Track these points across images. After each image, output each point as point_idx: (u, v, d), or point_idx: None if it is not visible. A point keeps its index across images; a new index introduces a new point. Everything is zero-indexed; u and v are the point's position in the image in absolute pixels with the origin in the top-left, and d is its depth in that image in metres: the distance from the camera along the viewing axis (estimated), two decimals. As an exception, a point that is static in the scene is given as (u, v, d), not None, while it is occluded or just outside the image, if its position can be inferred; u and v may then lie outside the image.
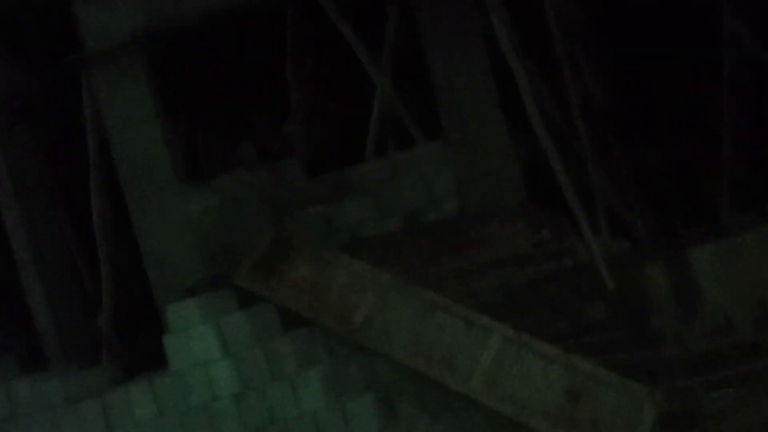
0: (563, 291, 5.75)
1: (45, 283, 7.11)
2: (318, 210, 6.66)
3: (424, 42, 6.52)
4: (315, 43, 7.37)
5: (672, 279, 5.85)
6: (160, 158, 6.72)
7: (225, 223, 6.72)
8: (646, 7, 6.75)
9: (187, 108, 8.05)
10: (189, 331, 4.83)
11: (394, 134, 7.22)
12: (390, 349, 5.01)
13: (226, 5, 6.57)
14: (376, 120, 6.88)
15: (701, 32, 6.72)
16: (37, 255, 7.12)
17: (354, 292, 5.29)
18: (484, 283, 5.65)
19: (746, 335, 5.62)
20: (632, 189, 6.99)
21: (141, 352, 6.91)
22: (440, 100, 6.54)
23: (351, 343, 5.26)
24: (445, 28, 6.31)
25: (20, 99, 7.37)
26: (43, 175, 7.77)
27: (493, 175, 6.33)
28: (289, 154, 7.48)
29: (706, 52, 6.75)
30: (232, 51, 7.88)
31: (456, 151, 6.44)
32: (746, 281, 5.59)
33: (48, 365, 6.54)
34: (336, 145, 7.88)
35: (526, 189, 6.43)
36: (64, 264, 7.75)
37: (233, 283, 5.48)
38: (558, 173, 6.19)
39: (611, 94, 7.11)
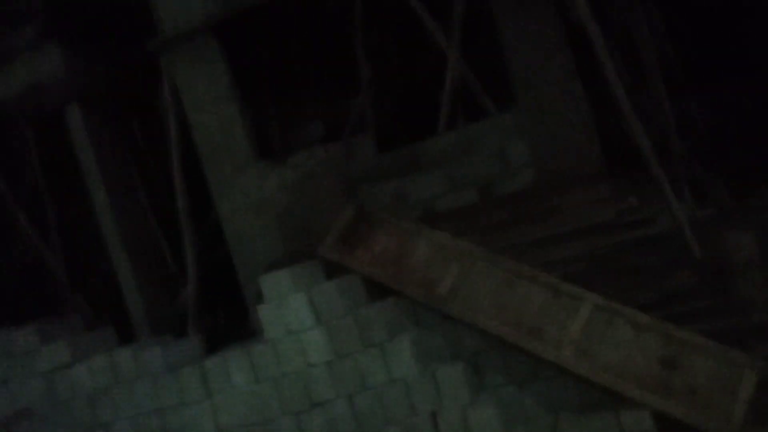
0: (648, 259, 5.62)
1: (132, 262, 7.39)
2: (391, 184, 6.67)
3: (495, 11, 6.40)
4: (383, 17, 7.31)
5: (758, 245, 5.65)
6: (238, 138, 6.86)
7: (302, 200, 6.81)
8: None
9: (260, 87, 8.14)
10: (282, 301, 4.92)
11: (466, 107, 7.14)
12: (476, 318, 5.00)
13: None
14: (448, 93, 6.80)
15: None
16: (124, 236, 7.39)
17: (437, 262, 5.29)
18: (567, 252, 5.56)
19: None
20: (714, 154, 6.77)
21: (222, 327, 7.12)
22: (513, 69, 6.42)
23: (437, 313, 5.26)
24: None
25: (100, 89, 7.59)
26: (126, 160, 8.03)
27: (569, 144, 6.19)
28: (361, 130, 7.47)
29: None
30: (301, 28, 7.90)
31: (530, 122, 6.32)
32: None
33: (136, 340, 6.82)
34: (407, 120, 7.85)
35: (606, 158, 6.28)
36: (148, 244, 8.03)
37: (319, 255, 5.54)
38: (640, 140, 6.03)
39: (688, 57, 6.87)
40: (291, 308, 4.84)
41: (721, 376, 4.40)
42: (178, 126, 7.27)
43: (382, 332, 4.81)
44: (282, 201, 6.86)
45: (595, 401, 4.85)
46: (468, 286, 5.13)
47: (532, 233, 5.65)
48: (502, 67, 6.75)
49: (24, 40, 7.60)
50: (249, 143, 7.03)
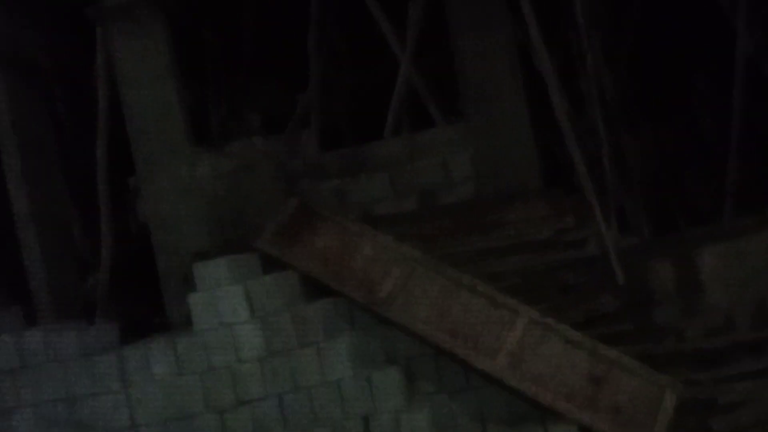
0: (578, 280, 5.78)
1: (41, 239, 6.86)
2: (332, 184, 6.55)
3: (451, 23, 6.46)
4: (340, 14, 7.22)
5: (677, 276, 5.94)
6: (173, 120, 6.56)
7: (236, 190, 6.57)
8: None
9: (201, 70, 7.83)
10: (216, 291, 4.67)
11: (413, 114, 7.15)
12: (414, 324, 4.95)
13: None
14: (397, 98, 6.78)
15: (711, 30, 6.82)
16: (34, 209, 6.86)
17: (379, 265, 5.22)
18: (504, 266, 5.63)
19: (746, 334, 5.74)
20: (641, 186, 7.08)
21: (135, 317, 6.71)
22: (464, 82, 6.49)
23: (374, 316, 5.18)
24: (473, 10, 6.25)
25: (27, 54, 7.07)
26: (47, 131, 7.49)
27: (512, 162, 6.32)
28: (304, 126, 7.32)
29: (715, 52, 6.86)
30: (252, 14, 7.68)
31: (476, 136, 6.40)
32: (747, 282, 5.71)
33: (38, 324, 6.30)
34: (352, 121, 7.77)
35: (543, 178, 6.44)
36: (61, 222, 7.51)
37: (255, 247, 5.33)
38: (577, 164, 6.22)
39: (623, 89, 7.18)
40: (225, 299, 4.62)
41: (644, 395, 4.56)
42: (107, 100, 6.85)
43: (319, 332, 4.67)
44: (214, 189, 6.57)
45: (523, 414, 4.89)
46: (408, 292, 5.08)
47: (472, 244, 5.68)
48: (451, 79, 6.81)
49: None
50: (184, 126, 6.71)
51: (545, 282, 5.70)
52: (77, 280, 7.65)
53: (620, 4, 7.13)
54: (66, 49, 7.48)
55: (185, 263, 6.54)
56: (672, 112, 7.36)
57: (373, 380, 4.64)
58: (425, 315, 5.01)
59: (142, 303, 7.76)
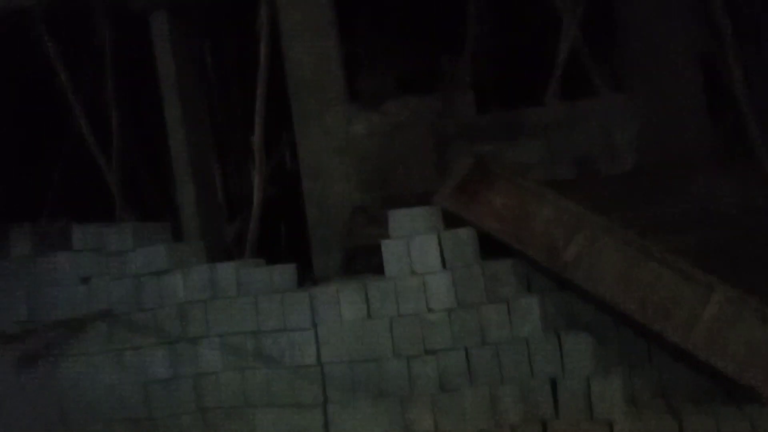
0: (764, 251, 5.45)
1: (196, 186, 7.01)
2: (487, 147, 6.39)
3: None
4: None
5: None
6: (333, 75, 6.56)
7: (388, 149, 6.50)
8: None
9: (358, 30, 7.77)
10: (410, 239, 4.61)
11: (574, 81, 6.90)
12: (602, 291, 4.77)
13: None
14: (561, 63, 6.54)
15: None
16: (191, 156, 7.00)
17: (560, 227, 5.05)
18: (686, 237, 5.37)
19: None
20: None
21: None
22: (632, 52, 6.21)
23: (554, 279, 5.03)
24: None
25: (196, 4, 7.15)
26: (202, 80, 7.61)
27: (682, 133, 6.02)
28: (456, 88, 7.16)
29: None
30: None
31: (643, 105, 6.12)
32: None
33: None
34: (506, 84, 7.58)
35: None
36: (211, 171, 7.67)
37: (435, 203, 5.24)
38: (752, 130, 5.90)
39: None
40: (419, 248, 4.54)
41: None
42: (269, 52, 6.88)
43: (511, 287, 4.55)
44: (367, 147, 6.54)
45: (706, 392, 4.68)
46: (593, 258, 4.90)
47: (654, 214, 5.44)
48: (611, 47, 6.53)
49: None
50: (342, 82, 6.69)
51: (729, 254, 5.40)
52: (222, 224, 7.82)
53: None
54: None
55: (337, 216, 6.59)
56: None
57: (564, 342, 4.50)
58: (612, 283, 4.83)
59: (286, 251, 7.89)
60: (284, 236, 8.54)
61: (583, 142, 6.26)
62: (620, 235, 4.95)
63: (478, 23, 7.08)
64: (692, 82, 6.09)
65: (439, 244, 4.67)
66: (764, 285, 5.00)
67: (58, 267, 4.90)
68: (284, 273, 4.94)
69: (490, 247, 5.13)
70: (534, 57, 7.20)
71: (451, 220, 5.21)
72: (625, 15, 6.14)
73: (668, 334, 4.62)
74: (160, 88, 7.25)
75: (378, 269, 5.70)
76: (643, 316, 4.71)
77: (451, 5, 7.18)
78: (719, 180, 5.45)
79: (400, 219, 4.68)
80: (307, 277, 5.90)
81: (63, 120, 7.78)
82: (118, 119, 7.51)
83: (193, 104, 7.50)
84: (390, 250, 4.66)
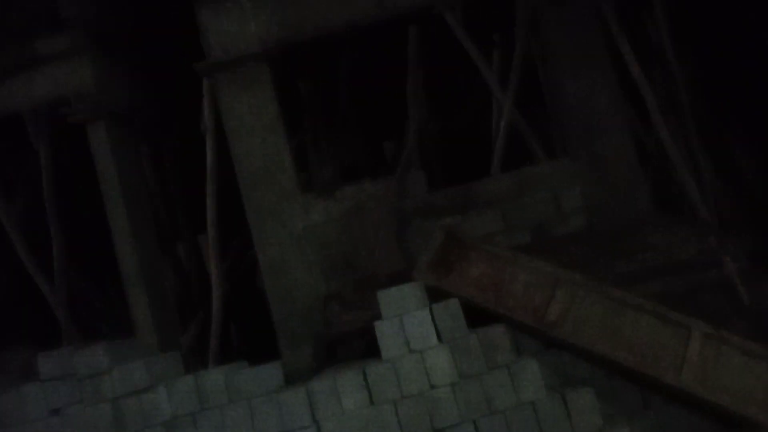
0: (716, 301, 5.79)
1: (149, 297, 6.75)
2: (445, 222, 6.57)
3: (552, 61, 6.70)
4: (436, 60, 7.44)
5: None
6: (285, 168, 6.62)
7: (347, 234, 6.58)
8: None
9: (301, 120, 7.94)
10: (404, 317, 4.58)
11: (515, 152, 7.29)
12: (591, 344, 4.89)
13: (354, 22, 6.62)
14: (502, 137, 6.93)
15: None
16: (142, 267, 6.78)
17: (539, 288, 5.19)
18: (647, 289, 5.63)
19: None
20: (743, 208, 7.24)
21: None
22: (569, 117, 6.68)
23: (539, 340, 5.11)
24: (572, 47, 6.51)
25: (131, 107, 7.16)
26: (146, 184, 7.49)
27: (622, 192, 6.44)
28: (406, 170, 7.38)
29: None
30: (352, 65, 7.87)
31: (585, 168, 6.53)
32: None
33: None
34: (450, 161, 7.89)
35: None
36: (164, 275, 7.41)
37: (414, 278, 5.27)
38: (689, 188, 6.39)
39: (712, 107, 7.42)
40: (414, 325, 4.50)
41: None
42: (215, 150, 6.88)
43: (509, 352, 4.56)
44: (327, 234, 6.57)
45: (705, 428, 4.79)
46: (574, 313, 5.05)
47: (618, 267, 5.69)
48: (546, 115, 7.01)
49: (54, 47, 7.01)
50: (295, 173, 6.76)
51: (684, 304, 5.69)
52: (177, 335, 7.47)
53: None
54: (169, 102, 7.57)
55: (304, 308, 6.46)
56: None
57: (569, 401, 4.52)
58: (598, 335, 4.97)
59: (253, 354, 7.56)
60: (241, 337, 8.22)
61: (533, 208, 6.53)
62: (596, 289, 5.13)
63: (420, 106, 7.40)
64: (625, 144, 6.56)
65: (432, 318, 4.64)
66: (730, 324, 5.30)
67: (25, 401, 4.44)
68: (273, 371, 4.72)
69: (468, 317, 5.17)
70: (477, 132, 7.57)
71: (431, 295, 5.24)
72: (558, 90, 6.60)
73: (661, 377, 4.75)
74: (103, 199, 7.01)
75: (363, 355, 5.58)
76: (634, 363, 4.83)
77: (390, 92, 7.49)
78: (667, 230, 5.80)
79: (390, 298, 4.64)
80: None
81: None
82: (59, 238, 7.13)
83: (139, 212, 7.29)
84: (384, 330, 4.58)
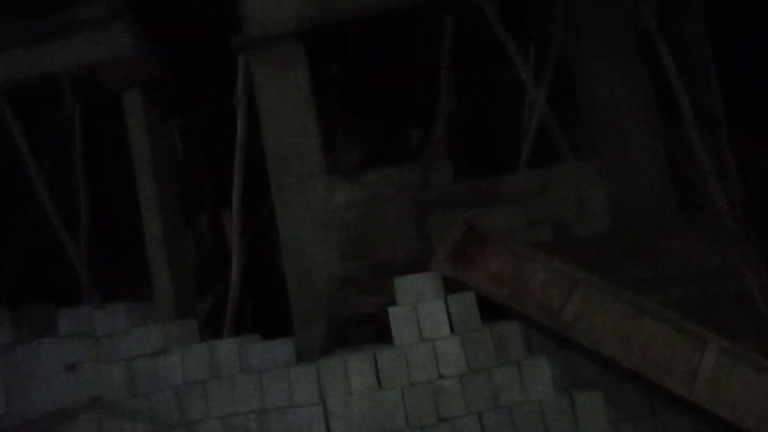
0: (734, 313, 5.71)
1: (170, 263, 6.81)
2: (466, 214, 6.53)
3: (584, 61, 6.59)
4: (469, 51, 7.37)
5: None
6: (311, 148, 6.61)
7: (368, 219, 6.57)
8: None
9: (331, 102, 7.93)
10: (418, 305, 4.58)
11: (543, 149, 7.21)
12: (604, 347, 4.84)
13: (392, 5, 6.56)
14: (532, 133, 6.85)
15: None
16: (166, 234, 6.85)
17: (556, 288, 5.15)
18: (665, 295, 5.56)
19: None
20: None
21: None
22: (598, 121, 6.57)
23: (554, 339, 5.08)
24: (608, 47, 6.39)
25: (166, 77, 7.19)
26: (175, 155, 7.55)
27: (648, 196, 6.33)
28: (432, 160, 7.35)
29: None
30: (384, 52, 7.83)
31: (611, 170, 6.44)
32: None
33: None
34: (477, 155, 7.83)
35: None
36: (186, 247, 7.49)
37: (430, 268, 5.26)
38: (716, 197, 6.27)
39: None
40: (427, 314, 4.50)
41: None
42: (245, 127, 6.91)
43: (520, 349, 4.55)
44: (348, 218, 6.56)
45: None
46: (590, 315, 5.00)
47: (638, 272, 5.62)
48: (576, 115, 6.91)
49: (93, 13, 7.07)
50: (321, 155, 6.76)
51: (704, 313, 5.61)
52: (195, 304, 7.56)
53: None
54: (204, 75, 7.60)
55: (320, 288, 6.49)
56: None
57: (576, 402, 4.50)
58: (612, 340, 4.92)
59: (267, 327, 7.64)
60: (255, 311, 8.31)
61: (556, 207, 6.46)
62: (614, 293, 5.08)
63: (450, 96, 7.35)
64: (654, 147, 6.46)
65: (446, 308, 4.64)
66: (747, 337, 5.22)
67: (42, 355, 4.55)
68: (286, 347, 4.77)
69: (482, 311, 5.15)
70: (504, 127, 7.50)
71: (447, 286, 5.23)
72: (596, 88, 6.50)
73: (672, 388, 4.70)
74: (132, 166, 7.09)
75: (374, 339, 5.60)
76: (646, 371, 4.78)
77: (422, 79, 7.44)
78: (691, 238, 5.71)
79: (407, 285, 4.65)
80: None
81: (26, 200, 7.45)
82: (86, 198, 7.24)
83: (166, 182, 7.36)
84: (398, 317, 4.59)
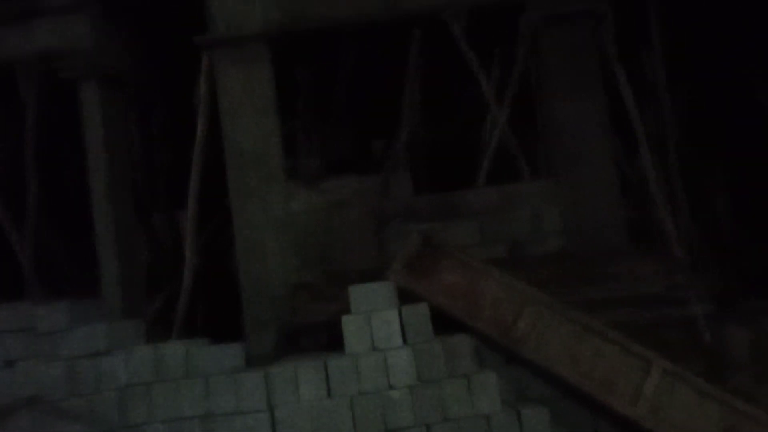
0: (677, 337, 5.87)
1: (119, 258, 6.65)
2: (425, 227, 6.57)
3: (545, 83, 6.74)
4: (434, 67, 7.44)
5: (751, 342, 6.08)
6: (272, 152, 6.58)
7: (326, 226, 6.55)
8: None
9: (294, 107, 7.88)
10: (372, 315, 4.56)
11: (500, 167, 7.31)
12: (551, 365, 4.91)
13: (359, 16, 6.61)
14: (491, 151, 6.95)
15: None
16: (116, 232, 6.71)
17: (508, 304, 5.21)
18: (613, 317, 5.68)
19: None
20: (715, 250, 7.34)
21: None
22: (555, 142, 6.71)
23: (504, 354, 5.12)
24: (569, 77, 6.55)
25: (126, 70, 7.04)
26: (131, 150, 7.39)
27: (599, 219, 6.49)
28: (393, 171, 7.36)
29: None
30: (352, 61, 7.84)
31: (567, 192, 6.58)
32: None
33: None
34: (437, 169, 7.88)
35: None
36: (136, 244, 7.32)
37: (388, 279, 5.25)
38: (665, 224, 6.46)
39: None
40: (381, 323, 4.49)
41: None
42: (206, 126, 6.81)
43: (470, 362, 4.57)
44: (306, 224, 6.54)
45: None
46: (540, 333, 5.07)
47: (587, 293, 5.73)
48: (535, 135, 7.05)
49: (57, 2, 6.89)
50: (282, 159, 6.73)
51: (647, 338, 5.74)
52: (143, 304, 7.37)
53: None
54: (164, 71, 7.46)
55: (274, 293, 6.41)
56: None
57: (523, 417, 4.54)
58: (559, 357, 5.00)
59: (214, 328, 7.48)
60: (206, 314, 8.13)
61: (512, 224, 6.56)
62: (563, 312, 5.17)
63: (413, 109, 7.39)
64: (608, 171, 6.62)
65: (400, 319, 4.63)
66: (690, 361, 5.37)
67: (-21, 349, 4.36)
68: (235, 352, 4.67)
69: (435, 323, 5.16)
70: (466, 143, 7.58)
71: (401, 296, 5.23)
72: (549, 111, 6.64)
73: (616, 407, 4.79)
74: (85, 159, 6.90)
75: (326, 347, 5.54)
76: (592, 389, 4.86)
77: (389, 91, 7.47)
78: (640, 263, 5.86)
79: (362, 294, 4.62)
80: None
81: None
82: (35, 191, 6.99)
83: (121, 178, 7.19)
84: (351, 325, 4.56)
